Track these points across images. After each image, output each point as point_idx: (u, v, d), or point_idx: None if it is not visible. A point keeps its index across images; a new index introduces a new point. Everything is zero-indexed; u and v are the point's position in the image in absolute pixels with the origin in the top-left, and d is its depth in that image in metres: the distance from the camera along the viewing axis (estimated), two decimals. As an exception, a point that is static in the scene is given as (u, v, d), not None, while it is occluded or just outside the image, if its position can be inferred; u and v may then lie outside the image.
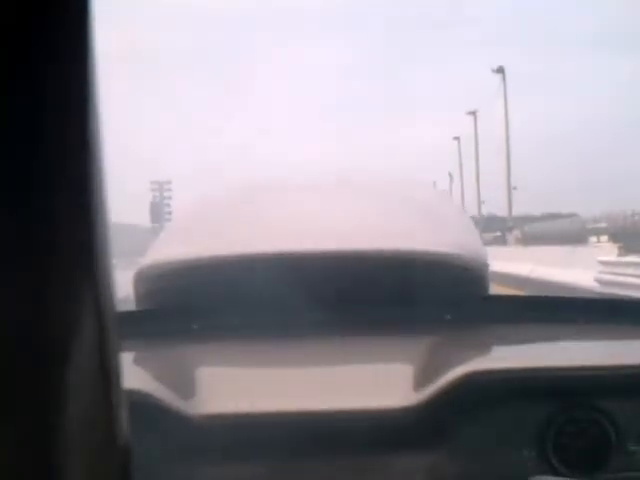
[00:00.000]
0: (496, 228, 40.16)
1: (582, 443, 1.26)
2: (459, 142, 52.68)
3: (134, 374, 1.31)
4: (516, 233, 30.63)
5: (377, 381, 1.35)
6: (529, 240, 32.21)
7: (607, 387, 1.30)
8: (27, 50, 0.34)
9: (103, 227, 0.37)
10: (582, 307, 1.88)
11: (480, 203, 47.23)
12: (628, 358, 1.39)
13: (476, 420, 1.28)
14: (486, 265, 1.92)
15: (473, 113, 46.08)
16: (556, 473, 1.25)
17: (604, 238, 28.61)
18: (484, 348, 1.67)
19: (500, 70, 38.69)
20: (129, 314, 1.79)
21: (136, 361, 1.50)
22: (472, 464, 1.27)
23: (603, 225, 30.98)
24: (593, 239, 30.53)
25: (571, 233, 29.17)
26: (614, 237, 25.39)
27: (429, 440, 1.25)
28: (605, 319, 1.77)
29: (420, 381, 1.27)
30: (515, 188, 39.98)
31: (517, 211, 43.43)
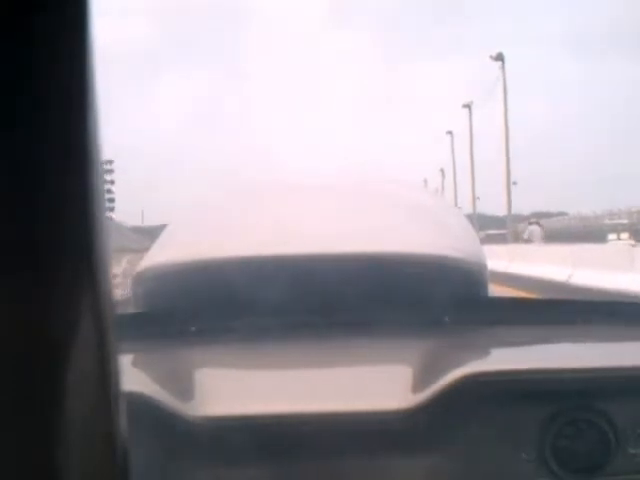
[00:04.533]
0: (499, 226, 37.81)
1: (581, 445, 1.24)
2: (452, 136, 51.09)
3: (133, 376, 1.30)
4: (536, 230, 27.27)
5: (376, 383, 1.34)
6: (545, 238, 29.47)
7: (606, 389, 1.27)
8: (27, 49, 0.34)
9: (102, 227, 0.37)
10: (581, 309, 1.88)
11: (475, 200, 45.06)
12: (627, 360, 1.38)
13: (475, 422, 1.26)
14: (485, 267, 1.90)
15: (468, 106, 43.99)
16: (555, 476, 1.23)
17: (624, 235, 26.87)
18: (483, 350, 1.64)
19: (499, 57, 36.45)
20: (128, 316, 1.78)
21: (135, 363, 1.49)
22: (470, 467, 1.25)
23: (624, 221, 29.18)
24: (612, 236, 28.49)
25: (592, 230, 27.16)
26: (636, 234, 23.40)
27: (427, 442, 1.23)
28: (604, 321, 1.74)
29: (419, 383, 1.26)
30: (515, 183, 37.73)
31: (504, 211, 40.63)
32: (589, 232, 29.80)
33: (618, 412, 1.23)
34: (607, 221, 30.55)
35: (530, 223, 27.99)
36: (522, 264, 17.34)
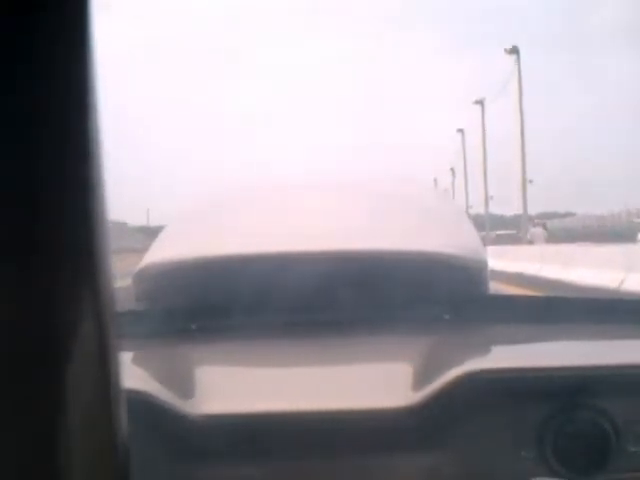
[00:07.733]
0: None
1: (581, 444, 1.23)
2: (463, 134, 49.80)
3: (133, 374, 1.29)
4: (538, 232, 25.70)
5: (376, 381, 1.34)
6: (554, 238, 27.94)
7: (606, 387, 1.27)
8: (27, 50, 0.34)
9: (103, 227, 0.37)
10: (581, 307, 1.87)
11: (488, 199, 43.62)
12: (627, 358, 1.37)
13: (475, 420, 1.25)
14: (485, 265, 1.90)
15: (480, 102, 42.55)
16: (555, 474, 1.22)
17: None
18: (483, 348, 1.64)
19: (514, 51, 35.00)
20: (128, 314, 1.78)
21: (135, 361, 1.49)
22: (471, 465, 1.25)
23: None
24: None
25: (607, 231, 25.79)
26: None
27: (428, 440, 1.23)
28: (604, 319, 1.72)
29: (419, 381, 1.26)
30: (531, 181, 36.19)
31: (513, 211, 39.03)
32: (604, 232, 28.60)
33: (618, 410, 1.23)
34: (636, 220, 29.35)
35: (534, 225, 26.82)
36: (557, 267, 15.84)
